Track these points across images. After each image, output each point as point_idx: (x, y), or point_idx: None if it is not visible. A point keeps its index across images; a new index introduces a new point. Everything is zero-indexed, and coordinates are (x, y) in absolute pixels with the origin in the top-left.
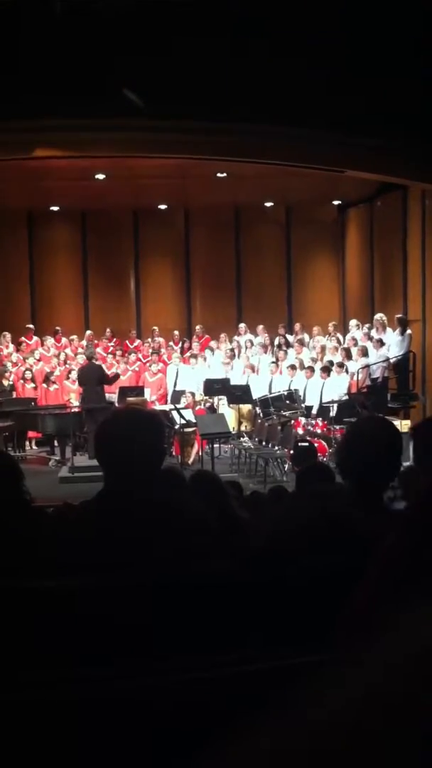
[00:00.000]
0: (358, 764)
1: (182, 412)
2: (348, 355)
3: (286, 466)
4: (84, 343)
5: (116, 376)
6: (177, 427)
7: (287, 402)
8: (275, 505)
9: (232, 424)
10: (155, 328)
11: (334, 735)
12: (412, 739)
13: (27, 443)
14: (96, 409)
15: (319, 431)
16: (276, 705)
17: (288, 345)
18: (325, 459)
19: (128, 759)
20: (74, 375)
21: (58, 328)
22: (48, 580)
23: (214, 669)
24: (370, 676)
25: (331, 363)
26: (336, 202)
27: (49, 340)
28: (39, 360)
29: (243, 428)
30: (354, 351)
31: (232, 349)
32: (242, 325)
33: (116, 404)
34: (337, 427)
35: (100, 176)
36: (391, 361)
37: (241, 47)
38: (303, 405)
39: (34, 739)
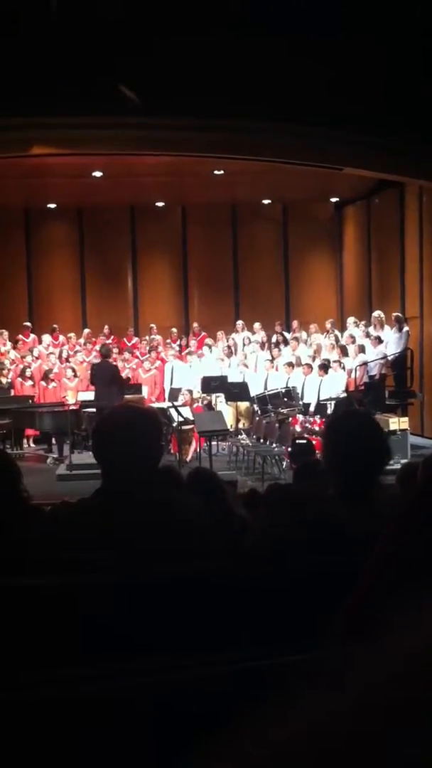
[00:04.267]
0: (358, 764)
1: (180, 409)
2: (345, 352)
3: (284, 463)
4: (81, 340)
5: (127, 379)
6: (175, 424)
7: (285, 399)
8: (270, 504)
9: (229, 421)
10: (152, 325)
11: (335, 735)
12: (413, 739)
13: (25, 441)
14: (106, 408)
15: (316, 428)
16: (276, 704)
17: (285, 342)
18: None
19: (126, 757)
20: (71, 373)
21: (55, 325)
22: (45, 578)
23: (213, 667)
24: (370, 676)
25: (328, 360)
26: (333, 200)
27: (47, 338)
28: (37, 358)
29: (241, 425)
30: (351, 348)
31: (228, 347)
32: (240, 322)
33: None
34: None
35: (97, 174)
36: (389, 358)
37: (239, 44)
38: (300, 402)
39: (32, 739)
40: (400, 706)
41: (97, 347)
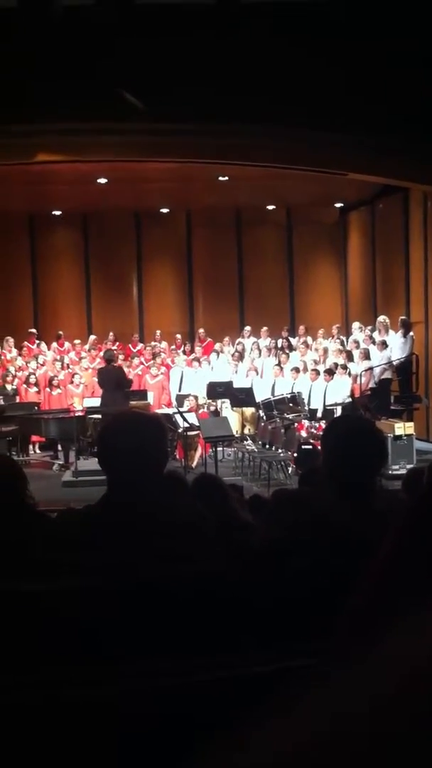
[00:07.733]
0: None
1: (185, 415)
2: (350, 357)
3: (290, 469)
4: (87, 347)
5: (130, 382)
6: (180, 430)
7: (290, 405)
8: (274, 508)
9: (235, 427)
10: (158, 331)
11: (338, 741)
12: (418, 746)
13: (30, 447)
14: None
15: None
16: (278, 709)
17: (291, 347)
18: None
19: (127, 762)
20: (77, 379)
21: (60, 332)
22: (50, 583)
23: (216, 671)
24: (374, 682)
25: (335, 365)
26: (337, 205)
27: (52, 345)
28: (42, 364)
29: (246, 431)
30: (356, 353)
31: (238, 352)
32: (247, 328)
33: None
34: None
35: (102, 180)
36: (394, 363)
37: (243, 50)
38: (306, 408)
39: (31, 742)
40: (404, 712)
41: (102, 353)
